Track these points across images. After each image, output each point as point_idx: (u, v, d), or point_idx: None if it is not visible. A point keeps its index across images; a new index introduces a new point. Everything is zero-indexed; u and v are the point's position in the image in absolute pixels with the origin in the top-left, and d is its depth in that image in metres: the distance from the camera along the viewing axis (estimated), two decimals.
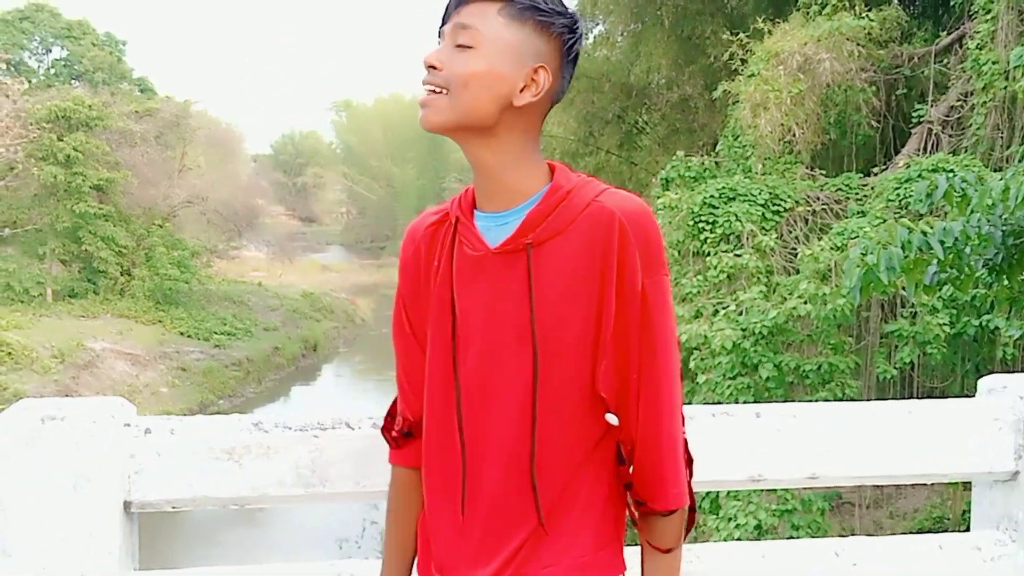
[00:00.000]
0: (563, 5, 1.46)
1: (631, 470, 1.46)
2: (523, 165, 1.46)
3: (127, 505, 1.61)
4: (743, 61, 12.52)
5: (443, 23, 1.47)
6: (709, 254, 10.69)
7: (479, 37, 1.41)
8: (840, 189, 11.49)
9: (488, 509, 1.44)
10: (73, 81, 36.85)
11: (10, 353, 21.79)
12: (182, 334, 27.34)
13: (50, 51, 39.21)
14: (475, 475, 1.46)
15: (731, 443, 1.75)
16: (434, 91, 1.43)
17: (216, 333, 28.05)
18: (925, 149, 11.69)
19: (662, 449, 1.45)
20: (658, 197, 11.98)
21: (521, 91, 1.42)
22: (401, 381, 1.57)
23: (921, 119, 11.96)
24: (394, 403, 1.60)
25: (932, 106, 12.06)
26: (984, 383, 1.94)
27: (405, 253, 1.57)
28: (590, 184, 1.46)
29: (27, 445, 1.54)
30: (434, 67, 1.43)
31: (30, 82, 33.07)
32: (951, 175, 5.24)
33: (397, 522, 1.57)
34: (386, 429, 1.59)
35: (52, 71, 38.62)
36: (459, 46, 1.42)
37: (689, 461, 1.51)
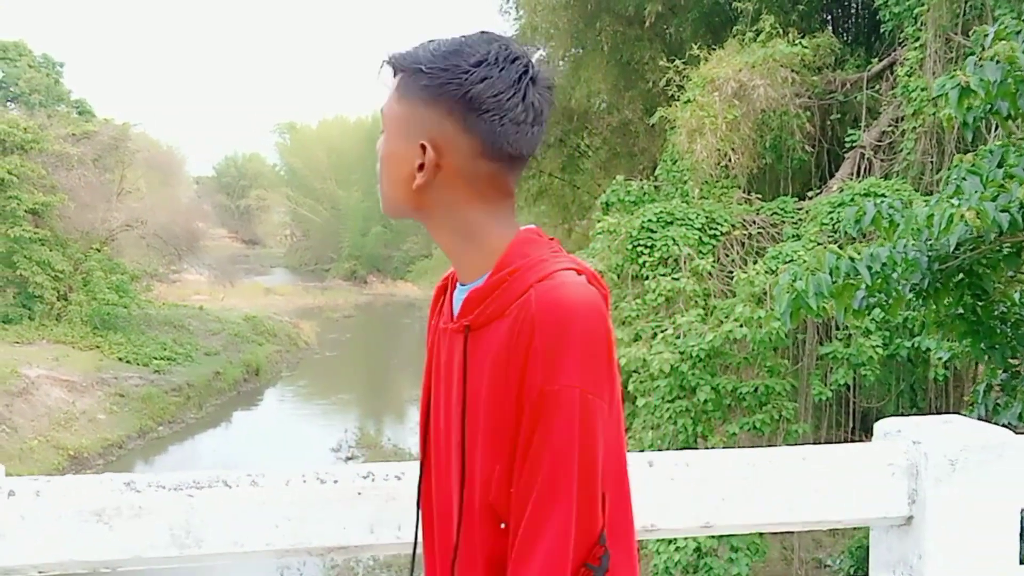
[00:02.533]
0: (457, 56, 1.31)
1: None
2: (478, 240, 1.36)
3: None
4: (680, 87, 12.64)
5: None
6: (647, 278, 10.75)
7: (384, 118, 1.38)
8: (776, 213, 11.62)
9: None
10: (8, 103, 36.25)
11: None
12: (121, 360, 26.85)
13: None
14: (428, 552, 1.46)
15: None
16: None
17: (156, 358, 27.58)
18: (858, 173, 11.88)
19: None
20: (598, 221, 12.03)
21: (417, 171, 1.34)
22: None
23: (854, 144, 12.17)
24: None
25: (864, 131, 12.28)
26: (880, 427, 1.94)
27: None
28: (543, 264, 1.31)
29: None
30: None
31: None
32: (880, 200, 5.31)
33: None
34: None
35: None
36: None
37: None
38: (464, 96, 1.30)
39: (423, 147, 1.32)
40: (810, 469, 1.80)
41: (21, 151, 26.83)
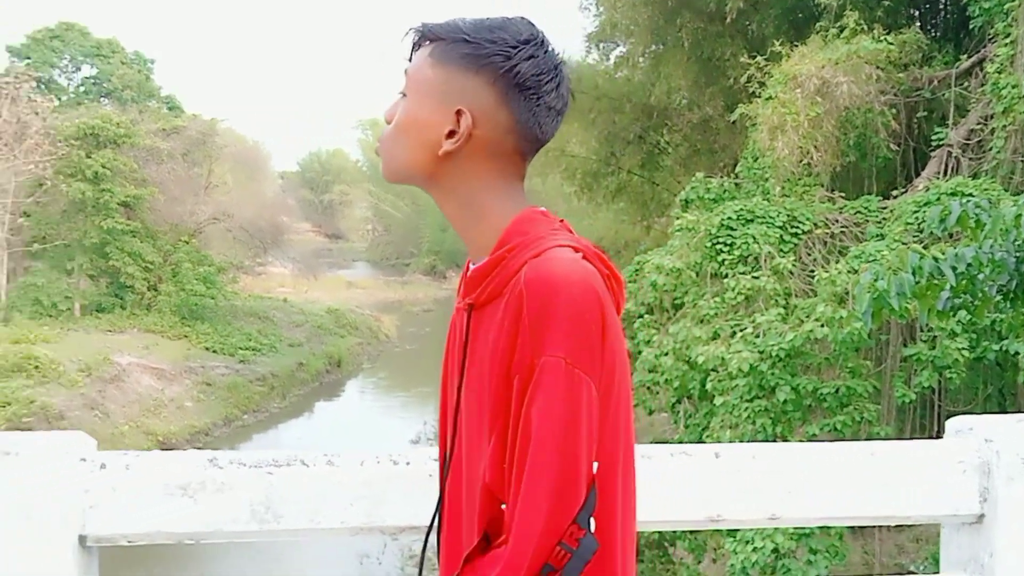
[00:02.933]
0: (509, 29, 1.32)
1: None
2: (479, 217, 1.35)
3: (82, 539, 1.62)
4: (761, 84, 12.49)
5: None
6: (727, 276, 10.65)
7: (410, 83, 1.36)
8: (859, 212, 11.42)
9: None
10: (102, 99, 37.36)
11: (38, 367, 22.03)
12: (207, 349, 27.56)
13: (80, 69, 39.75)
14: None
15: (690, 483, 1.74)
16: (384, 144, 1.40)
17: (241, 348, 28.25)
18: (945, 172, 11.60)
19: (510, 554, 1.21)
20: (677, 218, 11.96)
21: (447, 137, 1.32)
22: None
23: (941, 142, 11.88)
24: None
25: (952, 129, 11.98)
26: (952, 424, 1.93)
27: None
28: (539, 241, 1.29)
29: None
30: (388, 122, 1.39)
31: (60, 100, 33.57)
32: (967, 200, 5.19)
33: None
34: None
35: (81, 89, 39.13)
36: (401, 94, 1.38)
37: None
38: (510, 70, 1.31)
39: (459, 114, 1.31)
40: (879, 464, 1.80)
41: (114, 145, 27.67)
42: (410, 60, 1.38)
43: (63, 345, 23.96)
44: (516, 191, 1.37)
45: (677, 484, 1.74)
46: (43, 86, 35.11)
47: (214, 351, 27.62)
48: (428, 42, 1.36)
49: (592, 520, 1.23)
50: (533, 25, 1.35)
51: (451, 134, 1.32)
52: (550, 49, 1.35)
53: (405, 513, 1.69)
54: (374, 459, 1.70)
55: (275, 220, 37.78)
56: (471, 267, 1.38)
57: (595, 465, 1.24)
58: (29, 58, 37.34)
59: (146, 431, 22.26)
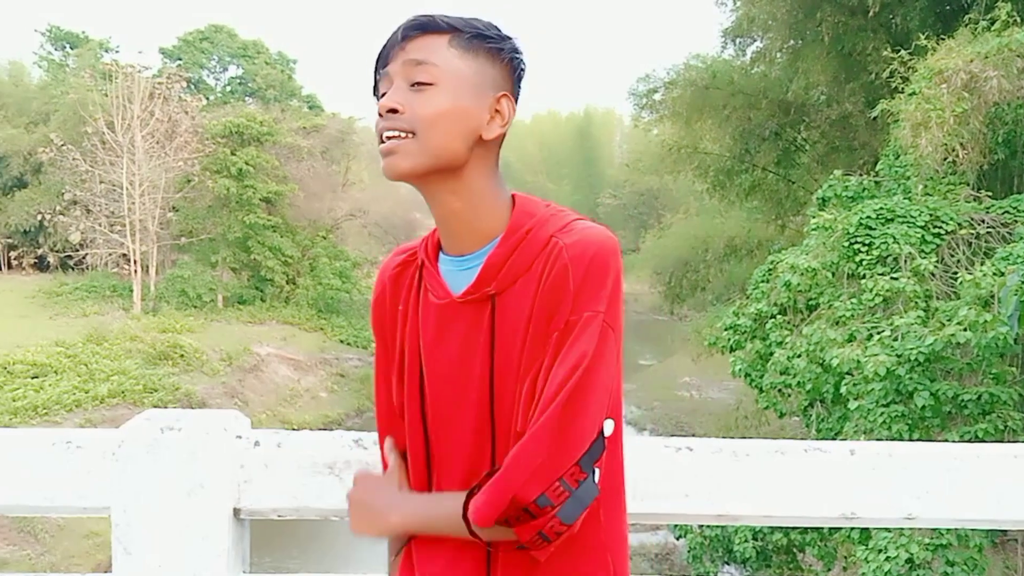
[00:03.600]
0: (501, 28, 1.41)
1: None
2: (488, 204, 1.40)
3: (236, 512, 1.73)
4: (905, 79, 12.09)
5: (384, 62, 1.40)
6: (864, 276, 10.37)
7: (437, 72, 1.35)
8: (1007, 212, 10.94)
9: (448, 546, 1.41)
10: (247, 98, 38.85)
11: (183, 355, 23.06)
12: (342, 342, 28.33)
13: (227, 70, 41.43)
14: None
15: (824, 480, 1.73)
16: (398, 136, 1.35)
17: (374, 342, 28.89)
18: None
19: (505, 466, 1.29)
20: (813, 216, 11.70)
21: (488, 123, 1.38)
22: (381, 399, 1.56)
23: None
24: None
25: None
26: None
27: (374, 292, 1.55)
28: (554, 218, 1.38)
29: (148, 452, 1.68)
30: (395, 111, 1.35)
31: (207, 99, 35.00)
32: None
33: None
34: None
35: (228, 88, 40.76)
36: (417, 84, 1.36)
37: (532, 505, 1.27)
38: (520, 66, 1.42)
39: (502, 99, 1.39)
40: (1021, 467, 1.75)
41: (257, 143, 28.72)
42: (399, 48, 1.38)
43: (206, 335, 25.02)
44: (502, 179, 1.44)
45: (811, 480, 1.73)
46: (192, 86, 36.72)
47: (348, 343, 28.36)
48: (437, 33, 1.38)
49: (596, 469, 1.29)
50: None
51: (490, 121, 1.39)
52: None
53: None
54: None
55: (408, 216, 38.48)
56: (449, 258, 1.43)
57: (611, 424, 1.32)
58: (180, 59, 39.11)
59: (282, 420, 23.02)
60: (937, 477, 1.73)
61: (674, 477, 1.71)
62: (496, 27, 1.41)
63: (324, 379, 26.06)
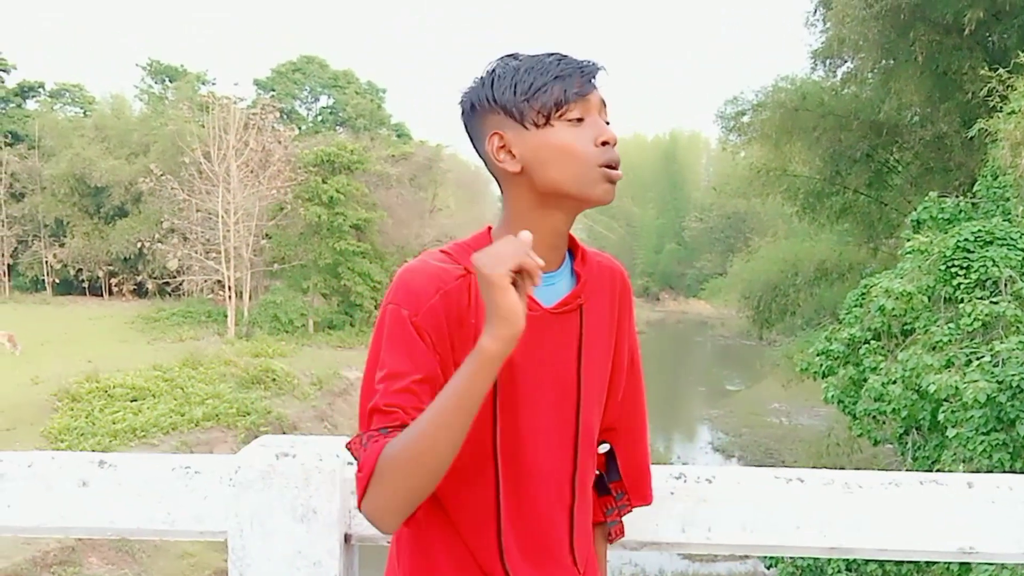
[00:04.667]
0: None
1: (620, 479, 1.66)
2: None
3: (347, 538, 1.76)
4: (1003, 98, 11.78)
5: (583, 89, 1.47)
6: (962, 300, 10.10)
7: (605, 112, 1.53)
8: None
9: (529, 539, 1.52)
10: (337, 127, 39.61)
11: (275, 379, 23.48)
12: None
13: (318, 100, 42.34)
14: (512, 514, 1.50)
15: (940, 512, 1.70)
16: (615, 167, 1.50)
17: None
18: None
19: (647, 458, 1.68)
20: (908, 239, 11.46)
21: None
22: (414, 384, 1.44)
23: None
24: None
25: None
26: None
27: (423, 302, 1.45)
28: (581, 243, 1.60)
29: (263, 478, 1.72)
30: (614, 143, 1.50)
31: (300, 129, 35.79)
32: None
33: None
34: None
35: (319, 118, 41.62)
36: (607, 123, 1.51)
37: None
38: None
39: None
40: None
41: (347, 171, 29.22)
42: (593, 83, 1.50)
43: (297, 359, 25.44)
44: None
45: (927, 513, 1.70)
46: (285, 116, 37.58)
47: None
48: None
49: None
50: None
51: None
52: None
53: (647, 528, 1.74)
54: None
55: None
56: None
57: None
58: (274, 90, 40.09)
59: None
60: None
61: (785, 508, 1.70)
62: None
63: None
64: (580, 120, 1.45)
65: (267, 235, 29.83)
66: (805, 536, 1.69)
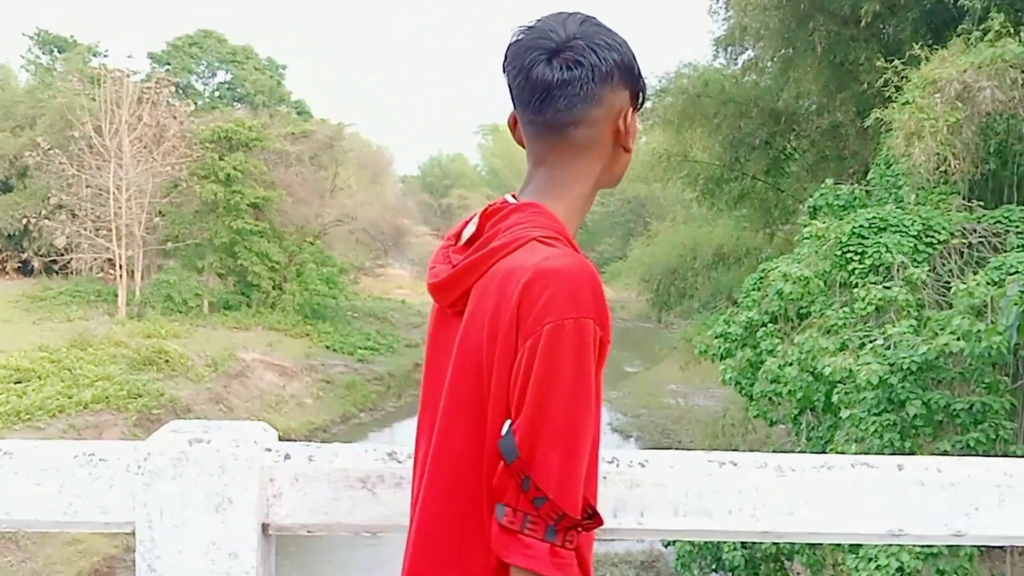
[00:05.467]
0: None
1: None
2: None
3: (265, 527, 1.67)
4: (898, 88, 12.12)
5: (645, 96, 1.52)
6: (856, 285, 10.38)
7: None
8: (999, 221, 10.98)
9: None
10: (235, 104, 38.72)
11: (168, 361, 22.88)
12: (328, 348, 28.19)
13: (215, 75, 41.31)
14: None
15: (870, 495, 1.69)
16: None
17: (360, 348, 28.80)
18: None
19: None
20: (804, 225, 11.71)
21: None
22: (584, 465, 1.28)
23: None
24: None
25: None
26: None
27: (604, 306, 1.31)
28: None
29: (175, 466, 1.62)
30: None
31: (196, 104, 34.85)
32: None
33: None
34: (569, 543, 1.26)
35: (216, 94, 40.62)
36: None
37: (568, 525, 1.24)
38: None
39: None
40: None
41: (245, 149, 28.59)
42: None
43: (192, 340, 24.84)
44: None
45: (858, 496, 1.69)
46: (181, 91, 36.53)
47: (334, 350, 28.22)
48: None
49: None
50: None
51: None
52: None
53: None
54: None
55: (396, 223, 38.45)
56: None
57: None
58: (169, 64, 38.94)
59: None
60: (987, 494, 1.69)
61: (718, 493, 1.66)
62: None
63: (310, 385, 25.91)
64: None
65: (161, 213, 28.97)
66: (738, 520, 1.66)
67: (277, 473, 1.68)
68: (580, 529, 1.25)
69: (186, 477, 1.63)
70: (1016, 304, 5.07)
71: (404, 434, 24.10)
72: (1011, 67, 11.07)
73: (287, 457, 1.69)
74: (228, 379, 23.93)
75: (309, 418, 24.30)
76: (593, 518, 1.29)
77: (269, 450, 1.69)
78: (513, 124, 1.48)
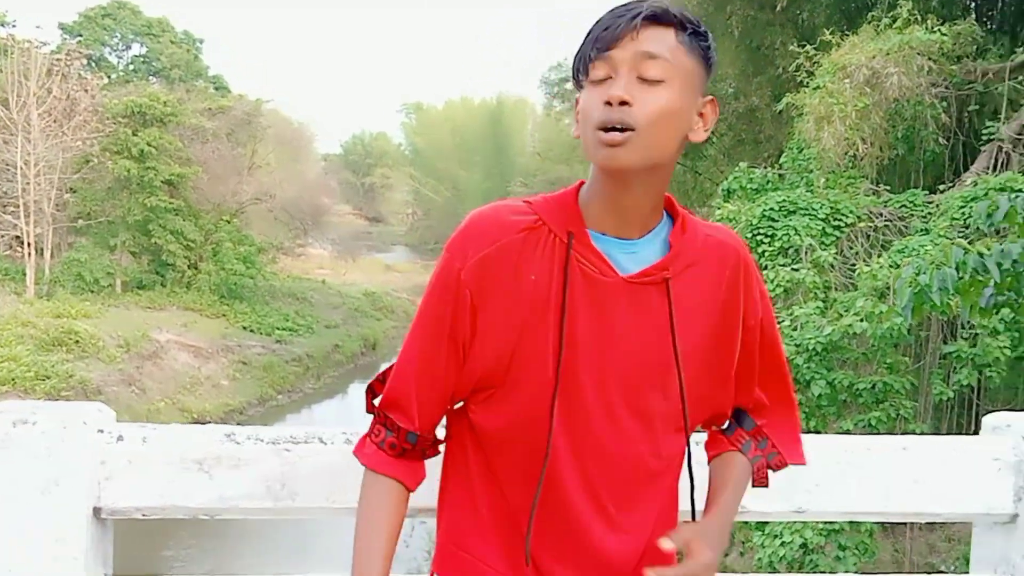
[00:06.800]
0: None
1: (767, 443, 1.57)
2: (661, 196, 1.46)
3: (97, 511, 1.61)
4: (810, 74, 12.31)
5: (607, 45, 1.35)
6: (766, 267, 10.54)
7: (668, 69, 1.34)
8: (904, 206, 11.24)
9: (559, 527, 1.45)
10: (151, 78, 37.78)
11: (78, 342, 22.31)
12: (245, 328, 27.77)
13: (130, 48, 40.24)
14: (551, 499, 1.43)
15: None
16: (622, 130, 1.32)
17: (278, 329, 28.44)
18: (994, 167, 11.37)
19: (798, 428, 1.60)
20: (718, 208, 11.85)
21: (695, 126, 1.40)
22: (413, 388, 1.44)
23: (992, 136, 11.64)
24: (381, 410, 1.47)
25: (1004, 123, 11.72)
26: (988, 421, 1.86)
27: (490, 253, 1.41)
28: (690, 215, 1.49)
29: None
30: (627, 103, 1.32)
31: (109, 78, 33.92)
32: (1015, 195, 5.10)
33: (381, 533, 1.45)
34: (374, 435, 1.46)
35: (131, 67, 39.61)
36: (647, 79, 1.33)
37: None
38: (714, 68, 1.42)
39: (709, 104, 1.41)
40: (910, 459, 1.74)
41: (160, 124, 27.90)
42: (630, 37, 1.34)
43: (103, 321, 24.23)
44: None
45: (699, 473, 1.69)
46: (93, 64, 35.52)
47: (251, 330, 27.82)
48: (666, 26, 1.35)
49: None
50: None
51: (697, 123, 1.41)
52: None
53: (423, 493, 1.66)
54: None
55: (316, 202, 38.00)
56: (614, 240, 1.42)
57: None
58: (81, 36, 37.82)
59: (181, 408, 22.48)
60: (827, 470, 1.71)
61: None
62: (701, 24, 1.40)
63: (226, 366, 25.51)
64: (605, 79, 1.35)
65: (71, 189, 28.13)
66: None
67: (109, 455, 1.62)
68: (385, 425, 1.46)
69: (11, 460, 1.56)
70: (910, 286, 5.19)
71: (323, 416, 23.91)
72: (918, 54, 11.32)
73: (120, 439, 1.63)
74: (141, 360, 23.43)
75: (225, 400, 23.95)
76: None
77: (101, 431, 1.62)
78: None
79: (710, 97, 1.40)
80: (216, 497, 1.63)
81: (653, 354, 1.41)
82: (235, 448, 1.63)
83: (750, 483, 1.55)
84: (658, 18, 1.34)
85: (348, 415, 23.75)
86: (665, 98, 1.33)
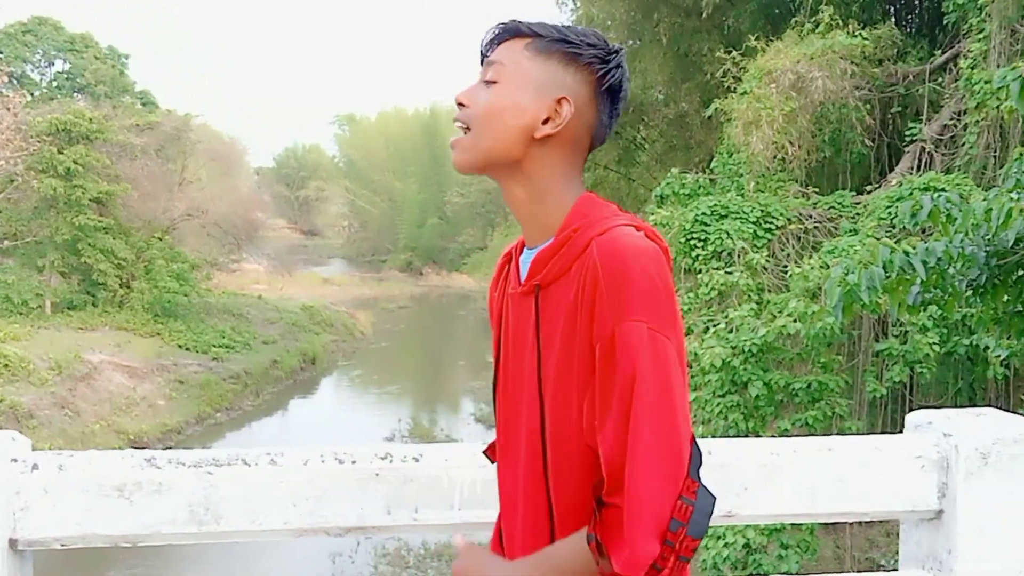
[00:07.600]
0: (598, 37, 1.44)
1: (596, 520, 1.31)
2: (551, 201, 1.43)
3: (13, 543, 1.56)
4: (737, 79, 12.49)
5: (481, 60, 1.47)
6: (700, 271, 10.66)
7: (503, 71, 1.42)
8: (833, 207, 11.45)
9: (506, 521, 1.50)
10: (75, 94, 37.01)
11: (7, 365, 21.74)
12: (180, 347, 27.28)
13: (52, 64, 39.42)
14: (509, 502, 1.48)
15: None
16: (462, 128, 1.43)
17: (214, 346, 27.97)
18: (919, 167, 11.64)
19: (627, 502, 1.24)
20: (652, 214, 11.95)
21: (543, 123, 1.40)
22: None
23: (915, 137, 11.92)
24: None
25: (926, 124, 12.02)
26: (911, 419, 1.89)
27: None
28: (602, 221, 1.37)
29: None
30: (462, 104, 1.43)
31: (32, 95, 33.22)
32: (938, 195, 5.20)
33: None
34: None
35: (54, 84, 38.81)
36: (486, 82, 1.43)
37: (668, 534, 1.24)
38: (605, 74, 1.43)
39: (561, 101, 1.40)
40: (836, 460, 1.76)
41: (86, 141, 27.34)
42: (487, 54, 1.46)
43: (33, 343, 23.64)
44: (580, 181, 1.46)
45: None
46: (15, 81, 34.74)
47: (187, 349, 27.34)
48: (519, 37, 1.44)
49: (698, 472, 1.29)
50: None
51: (547, 121, 1.41)
52: (624, 64, 1.46)
53: (351, 513, 1.64)
54: (318, 457, 1.65)
55: (250, 216, 37.47)
56: (526, 251, 1.47)
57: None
58: (1, 53, 36.96)
59: (117, 430, 22.01)
60: (754, 473, 1.72)
61: (493, 484, 1.63)
62: (595, 37, 1.44)
63: (162, 386, 25.03)
64: (491, 83, 1.43)
65: None
66: None
67: (24, 485, 1.57)
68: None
69: None
70: (839, 286, 5.27)
71: (264, 434, 23.59)
72: (841, 58, 11.55)
73: (35, 467, 1.58)
74: (74, 382, 22.89)
75: (162, 420, 23.50)
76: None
77: (15, 460, 1.57)
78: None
79: (562, 95, 1.40)
80: (138, 524, 1.59)
81: (526, 366, 1.42)
82: (156, 473, 1.59)
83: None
84: (509, 31, 1.45)
85: (288, 432, 23.48)
86: (495, 95, 1.41)
